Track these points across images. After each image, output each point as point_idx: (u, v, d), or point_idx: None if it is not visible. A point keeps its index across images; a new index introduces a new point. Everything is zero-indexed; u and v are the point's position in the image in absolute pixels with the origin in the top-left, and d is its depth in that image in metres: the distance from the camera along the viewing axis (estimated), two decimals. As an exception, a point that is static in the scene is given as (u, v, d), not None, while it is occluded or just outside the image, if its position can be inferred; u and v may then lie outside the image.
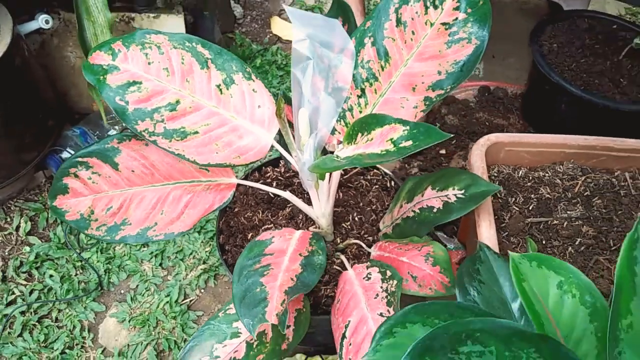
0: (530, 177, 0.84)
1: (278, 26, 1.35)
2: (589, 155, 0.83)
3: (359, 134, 0.57)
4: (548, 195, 0.81)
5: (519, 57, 1.30)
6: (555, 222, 0.79)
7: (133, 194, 0.64)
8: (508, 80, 1.26)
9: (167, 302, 0.88)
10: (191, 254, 0.95)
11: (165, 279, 0.92)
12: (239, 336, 0.63)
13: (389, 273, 0.62)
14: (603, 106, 0.96)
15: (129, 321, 0.86)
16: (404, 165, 1.10)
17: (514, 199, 0.81)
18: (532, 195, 0.82)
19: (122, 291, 0.90)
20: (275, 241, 0.64)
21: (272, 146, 0.65)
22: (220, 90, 0.62)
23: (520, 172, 0.84)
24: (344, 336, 0.60)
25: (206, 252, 0.95)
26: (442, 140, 0.50)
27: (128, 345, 0.84)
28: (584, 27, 1.09)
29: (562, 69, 1.02)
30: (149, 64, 0.61)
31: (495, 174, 0.83)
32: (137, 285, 0.91)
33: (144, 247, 0.95)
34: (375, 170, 0.84)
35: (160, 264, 0.93)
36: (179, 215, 0.63)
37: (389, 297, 0.60)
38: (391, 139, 0.53)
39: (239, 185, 0.80)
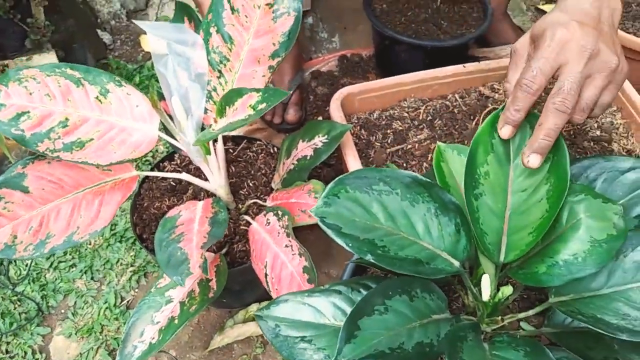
0: (384, 117, 1.01)
1: (148, 43, 1.44)
2: (424, 87, 1.01)
3: (227, 108, 0.70)
4: (400, 127, 0.99)
5: (367, 25, 1.48)
6: (409, 146, 0.96)
7: (49, 210, 0.73)
8: (361, 46, 1.44)
9: (107, 307, 0.97)
10: (118, 261, 1.03)
11: (100, 289, 1.01)
12: (173, 301, 0.75)
13: (280, 213, 0.76)
14: (432, 47, 1.15)
15: (76, 334, 0.94)
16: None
17: (374, 137, 0.98)
18: (388, 131, 0.99)
19: (63, 311, 0.98)
20: (183, 214, 0.76)
21: (160, 137, 0.76)
22: (100, 100, 0.72)
23: (375, 115, 1.01)
24: (266, 275, 0.73)
25: (131, 256, 1.04)
26: (285, 97, 0.64)
27: (80, 354, 0.92)
28: (405, -13, 1.29)
29: (394, 24, 1.20)
30: (30, 94, 0.71)
31: (355, 121, 1.00)
32: (75, 302, 0.98)
33: (72, 267, 1.03)
34: (259, 142, 0.97)
35: (92, 278, 1.02)
36: (97, 215, 0.73)
37: (286, 231, 0.74)
38: (250, 105, 0.67)
39: (142, 182, 0.92)
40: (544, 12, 1.58)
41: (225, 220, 0.73)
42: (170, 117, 0.76)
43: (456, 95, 1.02)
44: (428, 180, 0.56)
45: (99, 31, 1.52)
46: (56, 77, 0.72)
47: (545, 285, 0.52)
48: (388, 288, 0.53)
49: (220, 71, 0.76)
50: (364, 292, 0.61)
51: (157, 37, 0.70)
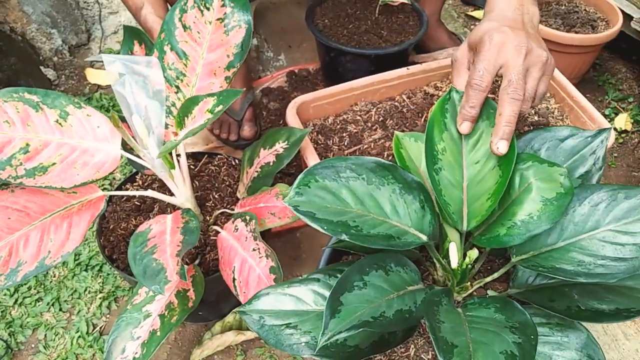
0: (338, 121, 1.05)
1: (93, 76, 1.44)
2: (373, 91, 1.07)
3: (185, 118, 0.73)
4: (355, 130, 1.03)
5: (310, 42, 1.53)
6: (365, 146, 1.01)
7: (17, 238, 0.72)
8: (307, 61, 1.49)
9: (79, 336, 0.95)
10: (85, 290, 1.02)
11: (70, 319, 0.99)
12: (151, 315, 0.75)
13: (248, 218, 0.78)
14: (375, 55, 1.21)
15: (49, 367, 0.92)
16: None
17: (331, 141, 1.02)
18: (344, 134, 1.03)
19: (33, 345, 0.95)
20: (154, 227, 0.77)
21: (122, 155, 0.77)
22: (60, 124, 0.73)
23: (329, 120, 1.05)
24: (234, 279, 0.75)
25: (99, 283, 1.03)
26: (239, 95, 0.67)
27: (56, 386, 0.90)
28: (344, 1, 1.35)
29: (338, 36, 1.26)
30: (-12, 121, 0.71)
31: (312, 127, 1.03)
32: (45, 335, 0.96)
33: (38, 301, 1.01)
34: (219, 156, 0.99)
35: (60, 309, 0.99)
36: (67, 236, 0.73)
37: (254, 234, 0.76)
38: (207, 110, 0.69)
39: (107, 202, 0.91)
40: (473, 18, 1.69)
41: (197, 228, 0.74)
42: (132, 136, 0.77)
43: (403, 96, 1.08)
44: (391, 163, 0.60)
45: (42, 68, 1.50)
46: (14, 103, 0.72)
47: (507, 245, 0.56)
48: (364, 265, 0.56)
49: (177, 86, 0.78)
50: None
51: (111, 61, 0.71)
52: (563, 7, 1.45)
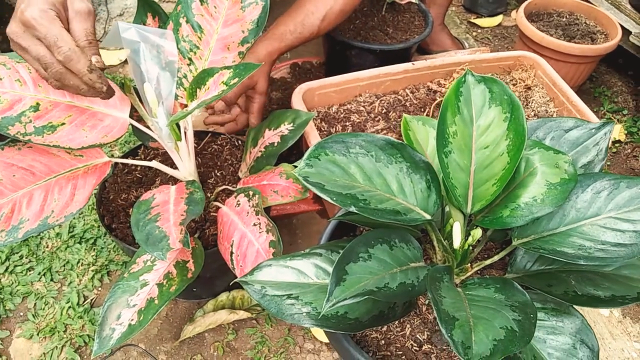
0: (342, 110, 1.06)
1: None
2: (377, 83, 1.08)
3: (198, 89, 0.73)
4: (358, 120, 1.04)
5: (314, 36, 1.54)
6: (368, 136, 1.02)
7: (21, 196, 0.72)
8: (312, 55, 1.50)
9: (69, 307, 0.95)
10: (78, 262, 1.01)
11: (60, 290, 0.98)
12: (148, 284, 0.75)
13: (251, 193, 0.78)
14: (380, 50, 1.23)
15: (38, 335, 0.91)
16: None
17: (334, 129, 1.03)
18: (347, 123, 1.04)
19: (22, 313, 0.95)
20: (157, 197, 0.77)
21: (131, 124, 0.77)
22: (71, 86, 0.73)
23: (333, 109, 1.06)
24: (231, 253, 0.75)
25: (92, 256, 1.02)
26: (257, 68, 0.68)
27: (44, 354, 0.89)
28: (352, -3, 1.37)
29: (345, 31, 1.27)
30: (0, 79, 0.71)
31: (316, 114, 1.04)
32: (35, 304, 0.95)
33: (30, 270, 1.00)
34: (223, 136, 1.00)
35: (52, 279, 0.99)
36: (71, 198, 0.73)
37: (256, 209, 0.76)
38: (222, 81, 0.70)
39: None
40: (475, 25, 1.72)
41: (202, 199, 0.74)
42: (142, 103, 0.77)
43: (407, 91, 1.10)
44: (400, 142, 0.62)
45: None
46: (26, 64, 0.72)
47: (510, 227, 0.57)
48: (370, 238, 0.57)
49: (190, 59, 0.79)
50: (343, 253, 0.65)
51: (127, 29, 0.72)
52: (564, 19, 1.48)
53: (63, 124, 0.72)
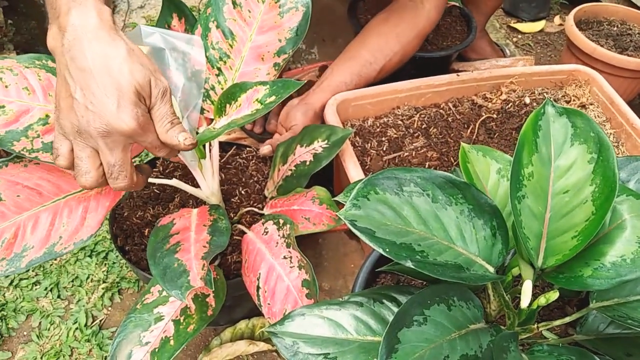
0: (378, 124, 0.97)
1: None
2: (418, 95, 0.99)
3: (227, 105, 0.65)
4: (395, 135, 0.96)
5: (345, 37, 1.45)
6: (406, 154, 0.93)
7: (25, 219, 0.64)
8: (341, 57, 1.41)
9: (77, 328, 0.88)
10: (88, 277, 0.94)
11: (68, 308, 0.91)
12: (163, 319, 0.67)
13: (281, 221, 0.70)
14: (419, 57, 1.14)
15: (41, 358, 0.84)
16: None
17: (369, 144, 0.94)
18: (383, 138, 0.95)
19: (25, 332, 0.88)
20: (177, 222, 0.69)
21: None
22: (86, 96, 0.65)
23: (369, 122, 0.98)
24: (258, 287, 0.67)
25: (103, 272, 0.95)
26: (298, 88, 0.60)
27: (47, 381, 0.82)
28: (388, -2, 1.27)
29: (380, 34, 1.18)
30: (6, 87, 0.63)
31: (349, 128, 0.96)
32: (40, 323, 0.88)
33: (36, 285, 0.93)
34: (248, 148, 0.92)
35: (59, 296, 0.92)
36: (82, 222, 0.65)
37: (287, 240, 0.68)
38: (257, 99, 0.61)
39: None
40: (516, 30, 1.62)
41: (227, 229, 0.66)
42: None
43: (449, 104, 1.00)
44: (462, 181, 0.53)
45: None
46: (36, 70, 0.65)
47: (591, 289, 0.49)
48: (426, 297, 0.49)
49: (219, 68, 0.70)
50: (387, 303, 0.57)
51: (150, 33, 0.63)
52: (615, 29, 1.37)
53: (75, 139, 0.64)
